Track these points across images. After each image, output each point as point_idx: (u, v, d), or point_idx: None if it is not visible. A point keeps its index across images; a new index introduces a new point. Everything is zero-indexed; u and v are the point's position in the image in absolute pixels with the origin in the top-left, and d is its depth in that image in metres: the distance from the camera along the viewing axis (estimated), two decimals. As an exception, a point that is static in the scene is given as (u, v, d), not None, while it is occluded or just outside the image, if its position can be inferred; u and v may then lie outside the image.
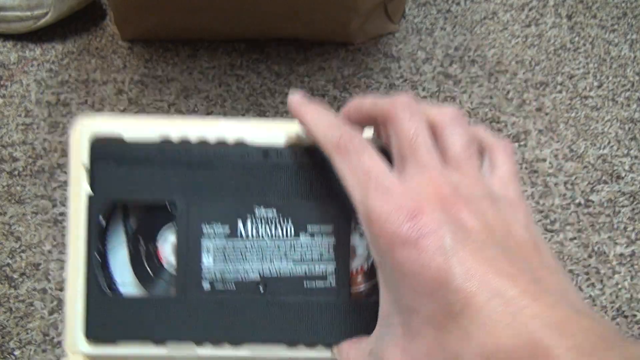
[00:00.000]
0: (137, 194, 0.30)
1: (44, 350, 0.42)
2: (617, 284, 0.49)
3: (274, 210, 0.30)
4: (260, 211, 0.30)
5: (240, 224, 0.30)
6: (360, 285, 0.32)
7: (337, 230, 0.30)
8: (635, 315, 0.47)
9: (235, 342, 0.29)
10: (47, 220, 0.49)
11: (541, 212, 0.53)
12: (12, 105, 0.57)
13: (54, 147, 0.54)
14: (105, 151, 0.30)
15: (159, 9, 0.58)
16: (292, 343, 0.29)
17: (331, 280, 0.30)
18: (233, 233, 0.30)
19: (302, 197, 0.30)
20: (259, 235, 0.30)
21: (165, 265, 0.31)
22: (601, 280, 0.49)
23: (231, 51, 0.63)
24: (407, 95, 0.26)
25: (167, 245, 0.31)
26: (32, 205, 0.50)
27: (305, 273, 0.30)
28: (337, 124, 0.26)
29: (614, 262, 0.50)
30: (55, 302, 0.45)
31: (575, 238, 0.51)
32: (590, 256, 0.50)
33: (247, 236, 0.30)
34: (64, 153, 0.53)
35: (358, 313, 0.29)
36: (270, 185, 0.30)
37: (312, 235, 0.30)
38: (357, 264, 0.31)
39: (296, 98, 0.28)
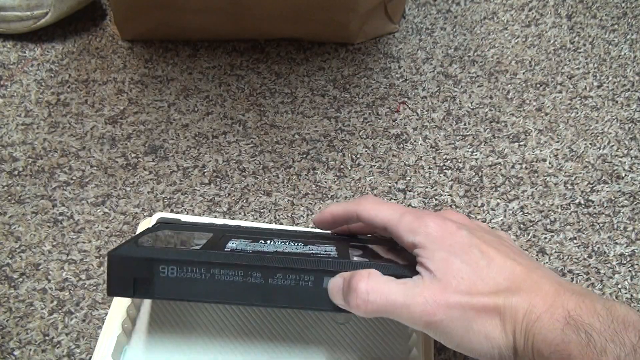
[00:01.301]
0: (184, 229, 0.38)
1: (43, 350, 0.42)
2: (617, 284, 0.49)
3: (289, 241, 0.37)
4: (279, 239, 0.37)
5: (262, 240, 0.37)
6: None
7: (339, 247, 0.37)
8: (635, 315, 0.47)
9: (248, 269, 0.33)
10: (47, 220, 0.49)
11: (541, 212, 0.53)
12: (12, 105, 0.57)
13: (54, 147, 0.54)
14: (166, 221, 0.39)
15: (159, 9, 0.58)
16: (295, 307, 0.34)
17: (334, 255, 0.35)
18: (255, 241, 0.36)
19: (308, 237, 0.39)
20: (275, 245, 0.36)
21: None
22: (601, 280, 0.49)
23: (231, 51, 0.63)
24: (370, 196, 0.37)
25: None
26: (32, 205, 0.50)
27: (312, 252, 0.35)
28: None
29: (614, 262, 0.50)
30: (55, 302, 0.45)
31: (575, 238, 0.51)
32: (590, 256, 0.50)
33: (266, 243, 0.36)
34: (64, 153, 0.53)
35: (361, 264, 0.34)
36: (286, 233, 0.40)
37: (317, 245, 0.37)
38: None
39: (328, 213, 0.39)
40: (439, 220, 0.33)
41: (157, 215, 0.43)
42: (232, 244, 0.34)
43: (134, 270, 0.31)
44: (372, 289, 0.31)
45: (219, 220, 0.44)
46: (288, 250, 0.34)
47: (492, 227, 0.51)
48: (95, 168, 0.53)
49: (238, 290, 0.32)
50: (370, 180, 0.54)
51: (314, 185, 0.53)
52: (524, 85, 0.62)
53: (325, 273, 0.32)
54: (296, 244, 0.36)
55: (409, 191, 0.53)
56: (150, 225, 0.40)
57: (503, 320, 0.30)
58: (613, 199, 0.54)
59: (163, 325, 0.40)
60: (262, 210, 0.51)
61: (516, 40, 0.66)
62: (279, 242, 0.36)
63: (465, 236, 0.32)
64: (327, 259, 0.34)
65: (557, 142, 0.58)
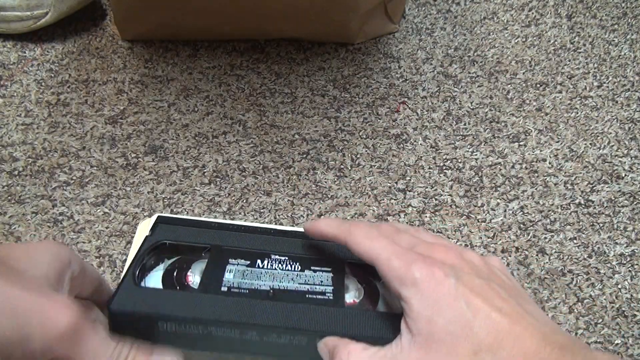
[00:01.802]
0: (181, 239, 0.39)
1: (44, 350, 0.42)
2: (617, 284, 0.49)
3: (286, 258, 0.39)
4: (275, 256, 0.39)
5: (259, 261, 0.38)
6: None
7: (335, 272, 0.38)
8: (635, 315, 0.47)
9: (244, 327, 0.34)
10: (47, 220, 0.49)
11: (541, 212, 0.53)
12: (12, 105, 0.57)
13: (54, 147, 0.54)
14: (165, 219, 0.40)
15: (159, 9, 0.58)
16: (292, 331, 0.34)
17: (329, 295, 0.36)
18: (253, 265, 0.38)
19: (307, 252, 0.39)
20: (272, 267, 0.37)
21: (192, 283, 0.38)
22: (601, 280, 0.49)
23: (231, 51, 0.63)
24: (362, 226, 0.35)
25: (195, 275, 0.38)
26: (32, 205, 0.50)
27: (308, 290, 0.36)
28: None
29: (614, 262, 0.50)
30: (55, 302, 0.45)
31: (575, 238, 0.51)
32: (590, 256, 0.50)
33: (263, 267, 0.38)
34: (64, 153, 0.53)
35: (351, 315, 0.35)
36: (284, 242, 0.40)
37: (314, 271, 0.38)
38: (348, 298, 0.38)
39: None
40: (426, 268, 0.31)
41: (156, 216, 0.43)
42: (228, 276, 0.36)
43: (134, 323, 0.33)
44: None
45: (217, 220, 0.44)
46: (283, 287, 0.36)
47: (492, 227, 0.51)
48: (95, 168, 0.53)
49: (235, 344, 0.34)
50: (370, 180, 0.54)
51: (314, 185, 0.53)
52: (524, 85, 0.62)
53: (318, 333, 0.34)
54: (293, 268, 0.38)
55: (409, 191, 0.53)
56: (150, 226, 0.40)
57: None
58: (613, 199, 0.54)
59: None
60: (262, 210, 0.51)
61: (516, 40, 0.66)
62: (277, 266, 0.38)
63: (452, 286, 0.31)
64: (323, 303, 0.35)
65: (557, 142, 0.58)
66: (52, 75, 0.59)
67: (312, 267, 0.38)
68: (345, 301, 0.36)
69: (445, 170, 0.55)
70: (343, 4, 0.58)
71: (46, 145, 0.54)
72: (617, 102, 0.61)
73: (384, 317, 0.34)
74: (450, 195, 0.53)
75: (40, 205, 0.50)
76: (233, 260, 0.38)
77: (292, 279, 0.37)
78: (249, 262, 0.38)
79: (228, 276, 0.36)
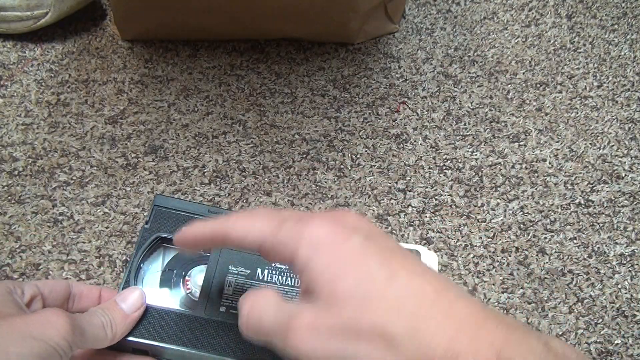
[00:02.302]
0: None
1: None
2: (617, 284, 0.49)
3: (286, 267, 0.38)
4: (276, 264, 0.38)
5: (259, 270, 0.38)
6: None
7: None
8: (635, 315, 0.47)
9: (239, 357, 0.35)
10: (47, 220, 0.49)
11: (541, 212, 0.53)
12: (12, 105, 0.57)
13: (54, 147, 0.54)
14: (164, 201, 0.39)
15: (159, 9, 0.58)
16: None
17: None
18: (252, 275, 0.38)
19: None
20: (272, 281, 0.38)
21: (189, 294, 0.38)
22: (601, 280, 0.49)
23: (231, 51, 0.63)
24: (247, 210, 0.33)
25: (194, 280, 0.38)
26: (32, 205, 0.50)
27: None
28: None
29: (614, 262, 0.50)
30: (55, 302, 0.45)
31: (575, 238, 0.51)
32: (590, 256, 0.50)
33: (263, 280, 0.38)
34: (64, 153, 0.54)
35: None
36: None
37: None
38: None
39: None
40: (326, 223, 0.26)
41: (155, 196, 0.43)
42: (227, 291, 0.37)
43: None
44: (251, 309, 0.27)
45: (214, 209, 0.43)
46: None
47: (492, 227, 0.51)
48: (95, 168, 0.53)
49: None
50: (370, 180, 0.54)
51: (314, 185, 0.53)
52: (524, 85, 0.62)
53: None
54: (293, 283, 0.38)
55: (409, 191, 0.53)
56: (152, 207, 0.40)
57: (395, 354, 0.22)
58: (613, 199, 0.54)
59: None
60: (262, 210, 0.51)
61: (516, 40, 0.66)
62: (276, 279, 0.38)
63: (359, 243, 0.25)
64: None
65: (557, 142, 0.58)
66: (52, 75, 0.59)
67: None
68: None
69: (445, 170, 0.55)
70: (343, 4, 0.58)
71: (46, 145, 0.54)
72: (617, 102, 0.61)
73: None
74: (450, 195, 0.53)
75: (40, 205, 0.50)
76: (233, 268, 0.38)
77: (291, 299, 0.36)
78: (249, 272, 0.38)
79: (227, 291, 0.37)
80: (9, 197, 0.50)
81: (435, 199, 0.53)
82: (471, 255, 0.50)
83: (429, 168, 0.55)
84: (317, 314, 0.24)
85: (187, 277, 0.38)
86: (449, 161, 0.56)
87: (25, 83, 0.59)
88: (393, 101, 0.60)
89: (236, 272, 0.38)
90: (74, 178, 0.52)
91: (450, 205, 0.53)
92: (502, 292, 0.48)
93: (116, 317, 0.32)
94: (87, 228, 0.49)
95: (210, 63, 0.62)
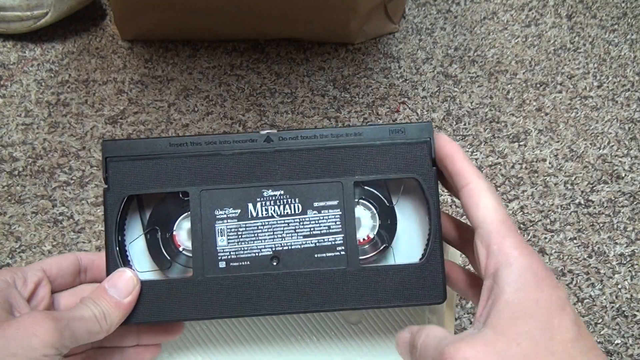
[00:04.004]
0: (150, 187, 0.32)
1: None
2: (617, 284, 0.49)
3: (281, 191, 0.32)
4: (268, 192, 0.32)
5: (250, 206, 0.32)
6: (368, 254, 0.33)
7: (342, 204, 0.32)
8: (635, 315, 0.47)
9: (252, 314, 0.31)
10: (47, 220, 0.49)
11: (541, 212, 0.52)
12: (12, 105, 0.57)
13: (54, 147, 0.54)
14: (116, 148, 0.32)
15: (159, 9, 0.58)
16: (306, 311, 0.31)
17: (340, 250, 0.31)
18: (244, 215, 0.32)
19: (306, 177, 0.32)
20: (268, 215, 0.32)
21: (183, 251, 0.33)
22: (601, 280, 0.49)
23: (231, 51, 0.63)
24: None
25: (183, 233, 0.33)
26: (32, 205, 0.50)
27: (315, 245, 0.32)
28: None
29: (614, 262, 0.50)
30: (55, 302, 0.45)
31: (575, 238, 0.51)
32: (590, 256, 0.50)
33: (258, 216, 0.32)
34: (64, 153, 0.54)
35: (368, 277, 0.31)
36: (276, 168, 0.32)
37: (318, 210, 0.32)
38: (363, 233, 0.33)
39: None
40: (529, 256, 0.27)
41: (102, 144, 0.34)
42: (222, 242, 0.31)
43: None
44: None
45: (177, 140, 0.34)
46: (287, 247, 0.31)
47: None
48: (95, 168, 0.53)
49: None
50: (370, 180, 0.54)
51: (314, 185, 0.53)
52: (524, 85, 0.62)
53: (333, 311, 0.32)
54: (293, 210, 0.32)
55: (409, 191, 0.53)
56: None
57: None
58: (613, 199, 0.54)
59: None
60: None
61: (516, 40, 0.66)
62: (273, 212, 0.32)
63: (562, 295, 0.27)
64: (335, 263, 0.31)
65: (557, 142, 0.58)
66: (52, 75, 0.59)
67: (315, 204, 0.32)
68: (359, 239, 0.32)
69: (445, 170, 0.55)
70: (343, 4, 0.58)
71: (46, 145, 0.54)
72: (617, 102, 0.61)
73: (401, 272, 0.31)
74: (450, 195, 0.53)
75: (40, 205, 0.50)
76: (220, 212, 0.32)
77: (294, 231, 0.32)
78: (239, 212, 0.32)
79: (221, 242, 0.32)
80: (9, 197, 0.50)
81: (435, 199, 0.53)
82: (471, 255, 0.50)
83: (429, 168, 0.55)
84: (495, 350, 0.26)
85: (174, 233, 0.33)
86: (449, 161, 0.56)
87: (25, 83, 0.59)
88: (393, 101, 0.60)
89: (224, 215, 0.32)
90: (74, 178, 0.52)
91: (450, 205, 0.53)
92: (502, 292, 0.48)
93: (108, 306, 0.30)
94: (87, 228, 0.49)
95: (210, 63, 0.62)
